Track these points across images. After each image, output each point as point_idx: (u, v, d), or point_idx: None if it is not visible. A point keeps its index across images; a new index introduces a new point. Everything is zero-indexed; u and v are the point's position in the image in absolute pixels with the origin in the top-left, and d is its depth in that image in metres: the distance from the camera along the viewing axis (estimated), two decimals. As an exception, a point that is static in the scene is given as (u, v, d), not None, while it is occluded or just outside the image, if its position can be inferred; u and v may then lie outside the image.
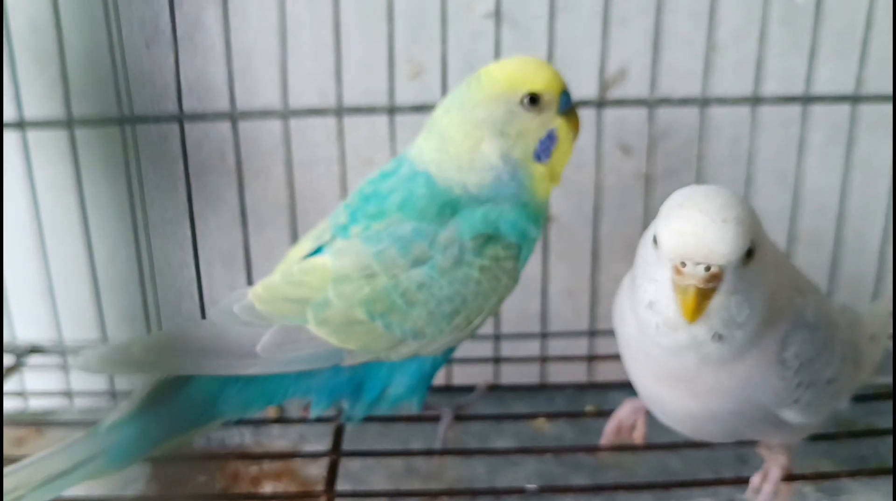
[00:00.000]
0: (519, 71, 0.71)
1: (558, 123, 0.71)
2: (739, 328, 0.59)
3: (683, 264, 0.57)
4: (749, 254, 0.58)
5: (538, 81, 0.70)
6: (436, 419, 0.83)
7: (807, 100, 0.92)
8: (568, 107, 0.73)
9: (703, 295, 0.57)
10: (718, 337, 0.59)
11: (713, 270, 0.56)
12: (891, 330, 0.81)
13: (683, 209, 0.58)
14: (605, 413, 0.90)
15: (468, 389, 0.90)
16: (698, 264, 0.56)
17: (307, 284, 0.70)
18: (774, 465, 0.73)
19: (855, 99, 0.92)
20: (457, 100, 0.72)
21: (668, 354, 0.62)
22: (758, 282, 0.59)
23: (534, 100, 0.70)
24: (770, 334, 0.62)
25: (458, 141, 0.70)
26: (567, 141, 0.73)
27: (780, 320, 0.63)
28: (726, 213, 0.57)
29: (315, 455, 0.87)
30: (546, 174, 0.72)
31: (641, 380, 0.69)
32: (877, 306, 0.85)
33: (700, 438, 0.72)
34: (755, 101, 0.91)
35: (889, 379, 0.84)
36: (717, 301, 0.58)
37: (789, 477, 0.73)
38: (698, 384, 0.63)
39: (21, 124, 0.90)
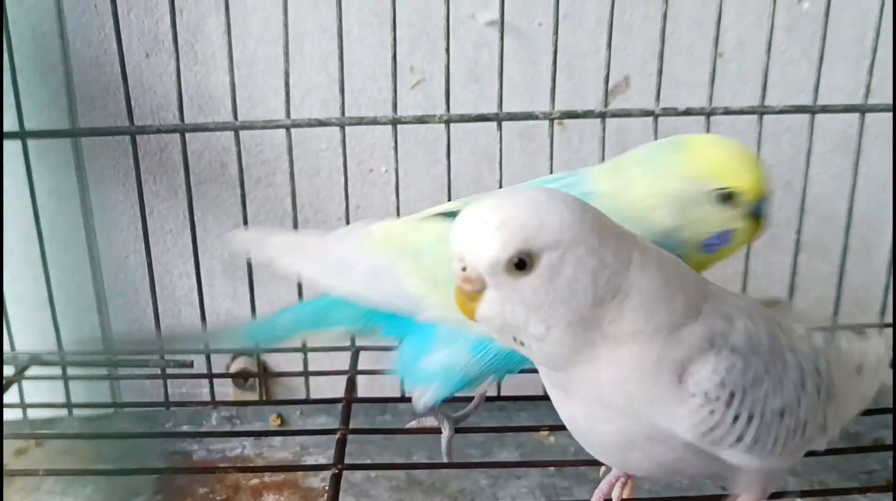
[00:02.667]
0: (727, 162, 0.66)
1: (741, 226, 0.67)
2: (538, 341, 0.54)
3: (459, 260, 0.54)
4: (520, 265, 0.52)
5: (743, 180, 0.66)
6: (436, 431, 0.82)
7: (814, 110, 0.91)
8: (760, 212, 0.68)
9: (466, 296, 0.54)
10: (521, 344, 0.55)
11: (468, 271, 0.53)
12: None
13: (482, 199, 0.54)
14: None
15: (467, 399, 0.89)
16: (460, 261, 0.53)
17: (420, 231, 0.71)
18: None
19: (863, 109, 0.91)
20: (654, 156, 0.69)
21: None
22: (549, 301, 0.53)
23: (728, 197, 0.66)
24: (641, 352, 0.55)
25: (638, 196, 0.67)
26: (740, 244, 0.69)
27: (665, 341, 0.55)
28: (494, 216, 0.53)
29: (317, 468, 0.86)
30: (699, 263, 0.68)
31: (555, 402, 0.62)
32: (871, 338, 0.76)
33: (645, 474, 0.66)
34: (761, 111, 0.90)
35: None
36: (488, 308, 0.54)
37: (794, 493, 0.72)
38: (585, 398, 0.58)
39: (22, 134, 0.89)
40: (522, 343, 0.54)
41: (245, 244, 0.74)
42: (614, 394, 0.56)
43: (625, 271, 0.55)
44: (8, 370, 0.95)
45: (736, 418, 0.56)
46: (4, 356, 0.97)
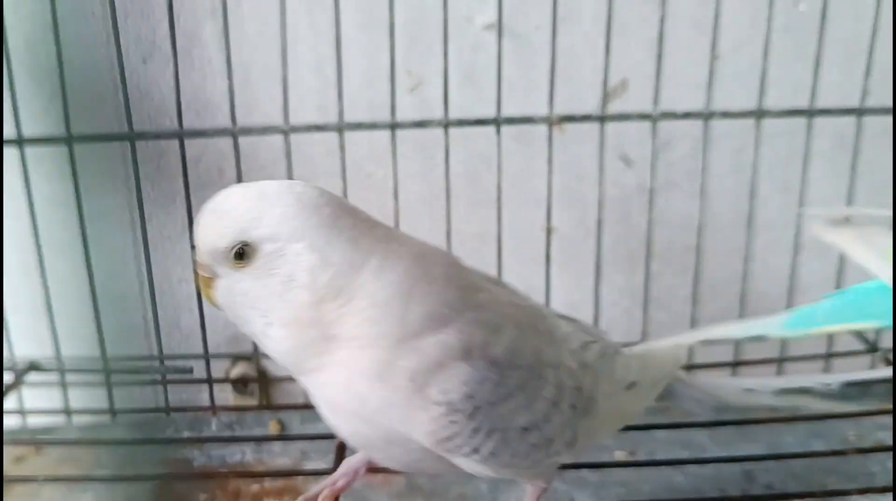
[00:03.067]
0: None
1: None
2: (265, 336, 0.54)
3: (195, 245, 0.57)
4: (238, 255, 0.53)
5: None
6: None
7: (811, 113, 0.91)
8: None
9: (203, 281, 0.56)
10: (254, 334, 0.56)
11: (198, 257, 0.56)
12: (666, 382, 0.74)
13: (225, 189, 0.56)
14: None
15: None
16: (195, 247, 0.56)
17: None
18: None
19: (860, 111, 0.91)
20: None
21: None
22: (264, 296, 0.53)
23: None
24: (367, 358, 0.54)
25: None
26: None
27: (393, 350, 0.54)
28: (222, 205, 0.54)
29: (317, 473, 0.86)
30: None
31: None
32: (658, 355, 0.74)
33: (401, 468, 0.66)
34: (759, 114, 0.90)
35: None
36: (222, 296, 0.56)
37: (798, 496, 0.72)
38: (320, 395, 0.58)
39: (19, 141, 0.89)
40: (256, 335, 0.56)
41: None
42: (346, 399, 0.55)
43: (353, 273, 0.54)
44: (7, 377, 0.95)
45: (476, 430, 0.55)
46: (4, 362, 0.97)
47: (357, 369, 0.54)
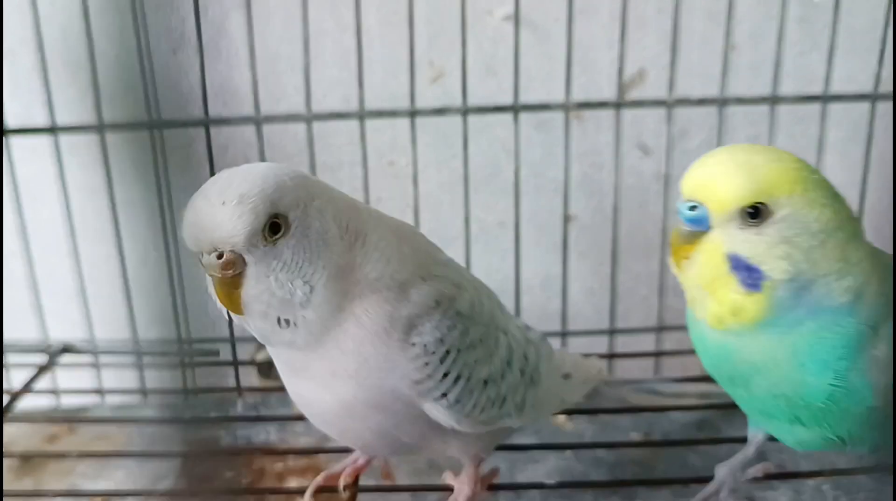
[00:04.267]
0: None
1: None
2: (305, 307, 0.55)
3: (202, 255, 0.54)
4: (274, 229, 0.54)
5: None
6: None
7: (826, 99, 0.92)
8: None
9: (229, 284, 0.54)
10: (286, 323, 0.56)
11: (226, 256, 0.53)
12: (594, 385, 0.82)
13: (193, 198, 0.55)
14: (625, 410, 0.92)
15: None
16: (211, 253, 0.53)
17: None
18: (460, 493, 0.71)
19: (874, 97, 0.92)
20: None
21: (269, 347, 0.60)
22: (309, 256, 0.55)
23: None
24: (379, 307, 0.58)
25: None
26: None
27: (398, 296, 0.59)
28: (227, 194, 0.53)
29: (339, 452, 0.89)
30: None
31: (286, 381, 0.64)
32: (586, 361, 0.84)
33: (363, 448, 0.72)
34: (773, 100, 0.92)
35: None
36: (253, 287, 0.54)
37: (806, 475, 0.73)
38: (317, 371, 0.59)
39: (53, 129, 0.92)
40: (288, 323, 0.56)
41: None
42: (351, 359, 0.58)
43: (360, 218, 0.59)
44: (42, 358, 0.98)
45: (446, 375, 0.60)
46: (39, 344, 1.00)
47: (369, 322, 0.58)
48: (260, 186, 0.54)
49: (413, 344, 0.59)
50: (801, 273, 0.57)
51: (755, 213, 0.57)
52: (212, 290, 0.56)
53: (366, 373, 0.59)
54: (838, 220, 0.57)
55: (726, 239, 0.58)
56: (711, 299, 0.60)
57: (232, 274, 0.54)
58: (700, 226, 0.59)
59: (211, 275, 0.55)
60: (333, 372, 0.59)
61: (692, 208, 0.59)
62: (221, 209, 0.53)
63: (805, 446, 0.66)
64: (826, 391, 0.59)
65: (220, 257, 0.53)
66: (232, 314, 0.57)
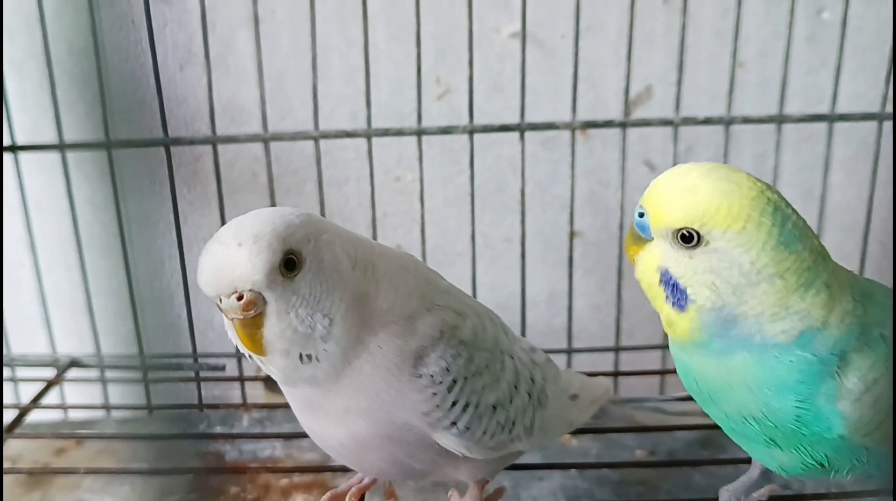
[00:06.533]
0: None
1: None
2: (326, 340, 0.56)
3: (221, 300, 0.54)
4: (290, 266, 0.55)
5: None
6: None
7: (832, 118, 0.92)
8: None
9: (251, 325, 0.55)
10: (308, 358, 0.57)
11: (246, 296, 0.54)
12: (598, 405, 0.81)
13: (207, 246, 0.56)
14: (630, 428, 0.92)
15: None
16: (230, 295, 0.54)
17: None
18: None
19: (881, 117, 0.92)
20: None
21: (288, 386, 0.60)
22: (325, 289, 0.56)
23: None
24: (391, 342, 0.59)
25: None
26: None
27: (407, 328, 0.60)
28: (241, 235, 0.55)
29: (345, 470, 0.89)
30: None
31: (300, 418, 0.65)
32: (593, 380, 0.83)
33: (377, 474, 0.71)
34: (780, 120, 0.92)
35: None
36: (275, 325, 0.55)
37: (812, 497, 0.73)
38: (331, 408, 0.60)
39: (61, 146, 0.93)
40: (310, 358, 0.57)
41: None
42: (363, 395, 0.59)
43: (364, 246, 0.60)
44: (49, 373, 0.98)
45: (454, 403, 0.60)
46: (46, 358, 1.01)
47: (382, 358, 0.59)
48: (271, 225, 0.55)
49: (420, 376, 0.59)
50: (727, 305, 0.56)
51: (688, 237, 0.56)
52: (233, 334, 0.57)
53: (377, 408, 0.60)
54: (779, 268, 0.55)
55: (661, 253, 0.58)
56: (654, 304, 0.61)
57: (253, 314, 0.55)
58: (644, 233, 0.60)
59: (232, 319, 0.55)
60: (347, 408, 0.60)
61: (641, 214, 0.60)
62: (238, 250, 0.54)
63: (787, 470, 0.65)
64: (793, 413, 0.58)
65: (239, 298, 0.54)
66: (254, 356, 0.57)
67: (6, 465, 0.89)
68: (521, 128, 0.91)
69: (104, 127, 0.91)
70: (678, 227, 0.56)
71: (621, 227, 0.96)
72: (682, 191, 0.57)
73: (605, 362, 1.02)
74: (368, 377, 0.59)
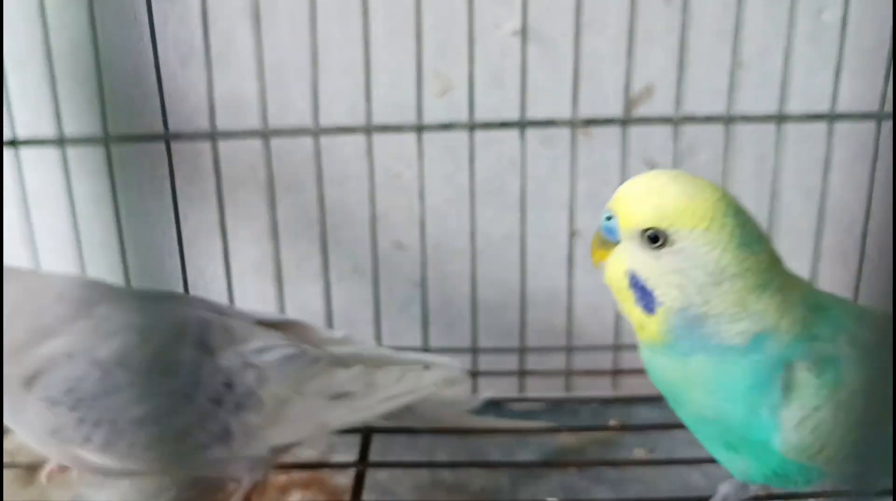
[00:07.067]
0: None
1: None
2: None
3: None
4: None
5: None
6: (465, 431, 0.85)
7: (832, 118, 0.92)
8: None
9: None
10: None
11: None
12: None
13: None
14: (629, 428, 0.91)
15: (495, 403, 0.92)
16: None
17: None
18: None
19: (880, 117, 0.92)
20: None
21: None
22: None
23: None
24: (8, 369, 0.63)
25: None
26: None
27: (16, 362, 0.63)
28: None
29: (343, 466, 0.89)
30: None
31: None
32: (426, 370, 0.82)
33: None
34: (780, 119, 0.92)
35: None
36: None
37: (807, 494, 0.73)
38: None
39: (61, 141, 0.93)
40: None
41: None
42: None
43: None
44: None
45: (81, 420, 0.63)
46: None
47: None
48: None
49: (40, 400, 0.63)
50: (693, 306, 0.58)
51: (655, 238, 0.58)
52: None
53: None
54: (740, 268, 0.57)
55: (629, 256, 0.60)
56: (623, 307, 0.62)
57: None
58: (611, 236, 0.61)
59: None
60: None
61: (609, 217, 0.61)
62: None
63: (750, 478, 0.66)
64: (743, 419, 0.60)
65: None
66: None
67: (6, 460, 0.89)
68: (522, 124, 0.91)
69: (102, 122, 0.91)
70: (647, 226, 0.58)
71: (621, 225, 0.96)
72: (651, 192, 0.59)
73: (605, 361, 1.02)
74: None
